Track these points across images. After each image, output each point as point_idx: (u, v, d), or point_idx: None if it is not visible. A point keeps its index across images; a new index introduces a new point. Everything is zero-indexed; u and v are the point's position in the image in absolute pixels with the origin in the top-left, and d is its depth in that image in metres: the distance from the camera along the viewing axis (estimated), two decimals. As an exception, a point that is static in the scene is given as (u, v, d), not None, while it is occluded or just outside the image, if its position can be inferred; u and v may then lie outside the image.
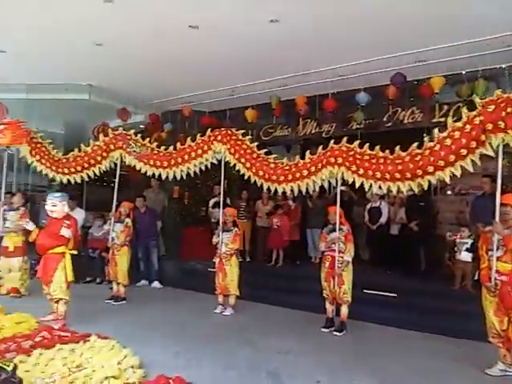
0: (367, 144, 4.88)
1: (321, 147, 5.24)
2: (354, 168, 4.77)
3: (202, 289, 7.21)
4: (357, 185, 4.85)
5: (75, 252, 5.50)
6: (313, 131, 8.31)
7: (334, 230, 5.17)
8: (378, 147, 4.76)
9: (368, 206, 7.68)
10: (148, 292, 7.53)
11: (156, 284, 7.92)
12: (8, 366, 2.22)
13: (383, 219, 7.40)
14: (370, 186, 4.72)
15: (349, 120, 7.77)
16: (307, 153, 5.37)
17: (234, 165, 5.80)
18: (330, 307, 5.25)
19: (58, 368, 3.63)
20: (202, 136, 6.06)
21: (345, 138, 5.11)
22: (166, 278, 8.01)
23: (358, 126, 7.64)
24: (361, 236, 7.57)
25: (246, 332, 5.09)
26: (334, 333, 5.07)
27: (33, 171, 8.45)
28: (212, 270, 6.92)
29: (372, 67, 6.52)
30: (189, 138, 6.21)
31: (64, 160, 6.71)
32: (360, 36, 5.57)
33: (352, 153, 4.84)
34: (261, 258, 8.54)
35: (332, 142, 5.12)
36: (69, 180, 6.77)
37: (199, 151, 5.98)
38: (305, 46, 5.94)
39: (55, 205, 5.26)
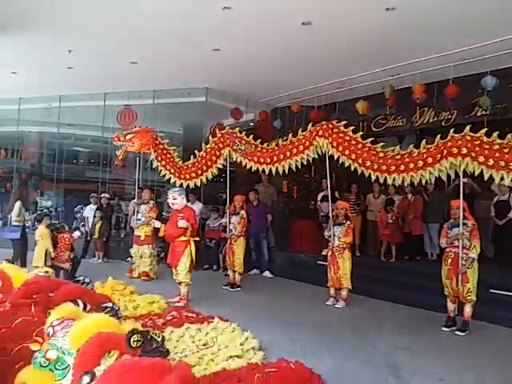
0: (496, 132, 4.46)
1: (438, 137, 4.92)
2: (481, 159, 4.38)
3: (310, 281, 7.33)
4: (485, 177, 4.44)
5: (198, 238, 6.03)
6: (430, 120, 7.83)
7: (457, 226, 4.84)
8: (510, 135, 4.31)
9: (495, 200, 7.00)
10: (260, 281, 7.87)
11: (267, 273, 8.23)
12: (158, 336, 2.55)
13: (512, 214, 6.68)
14: (502, 178, 4.30)
15: (472, 107, 7.15)
16: (423, 142, 5.06)
17: (338, 158, 5.65)
18: (451, 305, 4.94)
19: (188, 345, 4.05)
20: (303, 131, 6.00)
21: (468, 127, 4.73)
22: (275, 269, 8.29)
23: (483, 113, 6.99)
24: (485, 232, 6.93)
25: (360, 325, 5.06)
26: (456, 332, 4.76)
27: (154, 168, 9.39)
28: (321, 263, 7.00)
29: (500, 48, 5.93)
30: (290, 134, 6.19)
31: (185, 167, 7.10)
32: (487, 14, 5.11)
33: (478, 142, 4.46)
34: (371, 253, 8.33)
35: (452, 130, 4.79)
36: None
37: (300, 147, 5.92)
38: (423, 32, 5.65)
39: (175, 198, 5.88)
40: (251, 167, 6.60)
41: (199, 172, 6.99)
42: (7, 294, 3.81)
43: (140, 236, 7.78)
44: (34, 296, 3.57)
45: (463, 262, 4.71)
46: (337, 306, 5.94)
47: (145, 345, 2.46)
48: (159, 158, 7.17)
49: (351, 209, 8.07)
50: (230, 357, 3.67)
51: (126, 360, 2.22)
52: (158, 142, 7.18)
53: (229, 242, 7.07)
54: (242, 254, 6.97)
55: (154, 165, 7.28)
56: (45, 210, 13.38)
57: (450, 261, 4.86)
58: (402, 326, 5.08)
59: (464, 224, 4.78)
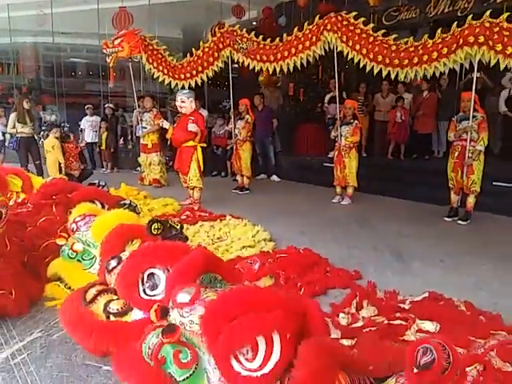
0: (517, 18, 4.19)
1: (455, 24, 4.65)
2: (499, 47, 4.18)
3: (318, 182, 7.49)
4: (501, 66, 4.27)
5: (204, 145, 6.04)
6: (445, 10, 7.30)
7: (466, 119, 4.80)
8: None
9: (505, 94, 6.78)
10: (268, 184, 8.06)
11: (274, 177, 8.40)
12: (177, 225, 2.72)
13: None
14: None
15: (491, -9, 6.63)
16: (438, 32, 4.80)
17: (348, 54, 5.39)
18: (454, 197, 5.10)
19: (203, 238, 4.30)
20: (310, 25, 5.61)
21: (487, 12, 4.44)
22: (282, 172, 8.44)
23: (503, -1, 6.50)
24: (493, 128, 6.86)
25: (365, 218, 5.29)
26: (458, 222, 4.99)
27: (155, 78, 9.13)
28: (328, 165, 7.09)
29: None
30: (296, 29, 5.80)
31: (179, 66, 6.87)
32: None
33: (498, 29, 4.22)
34: (378, 153, 8.38)
35: (469, 17, 4.51)
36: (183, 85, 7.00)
37: (307, 43, 5.58)
38: None
39: (184, 101, 5.69)
40: (254, 67, 6.36)
41: (194, 72, 6.73)
42: (28, 194, 3.99)
43: (147, 144, 7.83)
44: (53, 197, 3.74)
45: (470, 155, 4.75)
46: (343, 203, 6.15)
47: (165, 232, 2.63)
48: (150, 60, 6.91)
49: (359, 109, 7.94)
50: (243, 247, 3.94)
51: (149, 243, 2.39)
52: (146, 43, 6.88)
53: (235, 147, 7.11)
54: (248, 159, 7.04)
55: (147, 68, 7.05)
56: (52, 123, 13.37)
57: (456, 154, 4.91)
58: (407, 217, 5.30)
59: (473, 117, 4.73)
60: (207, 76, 6.77)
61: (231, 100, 7.16)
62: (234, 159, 7.21)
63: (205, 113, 9.28)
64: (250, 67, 6.44)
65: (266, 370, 1.61)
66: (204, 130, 5.93)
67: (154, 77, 7.08)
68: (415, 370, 1.17)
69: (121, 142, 10.91)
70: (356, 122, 5.98)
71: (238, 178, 7.29)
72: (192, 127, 5.60)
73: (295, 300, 1.69)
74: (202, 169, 5.88)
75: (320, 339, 1.46)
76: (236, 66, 6.88)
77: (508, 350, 2.07)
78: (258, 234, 4.30)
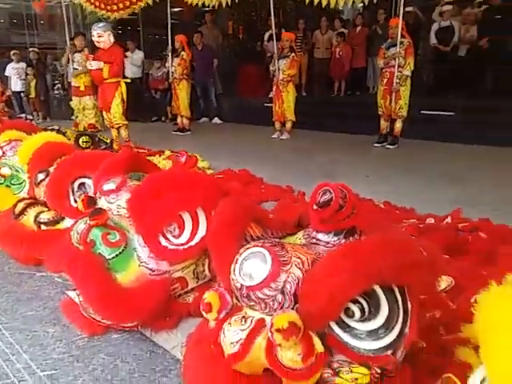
0: None
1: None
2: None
3: (259, 123, 7.54)
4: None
5: (128, 80, 5.65)
6: None
7: (394, 45, 4.98)
8: None
9: (435, 26, 7.00)
10: (210, 127, 8.01)
11: (216, 120, 8.34)
12: (106, 139, 2.69)
13: (456, 39, 6.74)
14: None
15: None
16: None
17: None
18: (384, 124, 5.38)
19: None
20: None
21: None
22: (225, 115, 8.39)
23: None
24: (425, 60, 7.18)
25: (302, 150, 5.47)
26: (387, 146, 5.31)
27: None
28: (269, 105, 7.14)
29: None
30: None
31: None
32: None
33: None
34: (318, 91, 8.51)
35: None
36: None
37: None
38: None
39: (101, 35, 5.16)
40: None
41: (127, 3, 6.41)
42: None
43: (79, 87, 7.40)
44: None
45: (397, 81, 4.98)
46: (282, 138, 6.29)
47: (94, 145, 2.60)
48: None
49: (298, 47, 7.96)
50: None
51: (77, 151, 2.36)
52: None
53: (172, 86, 6.93)
54: (186, 99, 6.91)
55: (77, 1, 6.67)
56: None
57: (385, 81, 5.13)
58: (341, 147, 5.54)
59: (401, 42, 4.92)
60: (139, 6, 6.47)
61: (169, 37, 6.90)
62: (173, 99, 7.06)
63: (140, 54, 8.92)
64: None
65: (193, 243, 1.72)
66: (120, 63, 5.44)
67: (87, 11, 6.68)
68: (315, 207, 1.32)
69: (55, 91, 10.25)
70: (293, 54, 6.01)
71: (178, 119, 7.17)
72: (94, 65, 5.05)
73: (217, 180, 1.78)
74: (125, 106, 5.51)
75: (237, 197, 1.58)
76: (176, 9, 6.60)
77: (415, 227, 2.32)
78: (198, 163, 4.34)
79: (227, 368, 1.17)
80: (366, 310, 1.15)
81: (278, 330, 1.05)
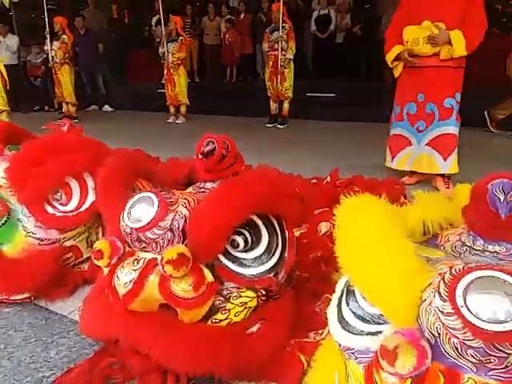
0: None
1: None
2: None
3: (153, 109, 7.41)
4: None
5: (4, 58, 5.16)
6: None
7: (277, 29, 5.26)
8: None
9: (315, 14, 7.55)
10: (99, 115, 7.64)
11: (106, 107, 7.98)
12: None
13: (333, 26, 7.35)
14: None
15: None
16: None
17: None
18: (273, 105, 5.68)
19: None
20: None
21: None
22: (115, 102, 8.06)
23: None
24: (307, 47, 7.67)
25: (196, 132, 5.46)
26: (278, 126, 5.63)
27: None
28: (161, 90, 7.04)
29: None
30: None
31: None
32: None
33: None
34: (211, 77, 8.61)
35: None
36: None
37: None
38: None
39: None
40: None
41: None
42: None
43: None
44: None
45: (282, 63, 5.29)
46: (177, 122, 6.28)
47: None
48: None
49: (187, 33, 7.94)
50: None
51: None
52: None
53: (53, 71, 6.48)
54: (69, 84, 6.52)
55: None
56: None
57: (271, 63, 5.41)
58: (235, 129, 5.67)
59: (282, 27, 5.22)
60: None
61: (46, 18, 6.40)
62: (56, 86, 6.59)
63: (14, 39, 8.12)
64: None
65: (82, 209, 1.70)
66: None
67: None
68: (200, 157, 1.41)
69: None
70: (181, 37, 6.00)
71: (64, 106, 6.73)
72: None
73: (102, 144, 1.78)
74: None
75: (124, 153, 1.60)
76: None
77: (301, 185, 2.54)
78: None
79: (122, 310, 1.21)
80: (249, 240, 1.28)
81: (168, 262, 1.13)
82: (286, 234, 1.34)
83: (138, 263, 1.22)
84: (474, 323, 0.73)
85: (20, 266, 1.59)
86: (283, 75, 5.33)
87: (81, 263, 1.82)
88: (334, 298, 1.14)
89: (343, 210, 1.06)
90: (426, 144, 2.77)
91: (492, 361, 0.74)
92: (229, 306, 1.25)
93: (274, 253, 1.30)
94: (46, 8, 6.42)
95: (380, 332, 0.96)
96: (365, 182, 2.59)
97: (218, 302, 1.24)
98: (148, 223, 1.20)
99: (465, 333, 0.75)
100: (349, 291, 1.09)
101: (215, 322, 1.24)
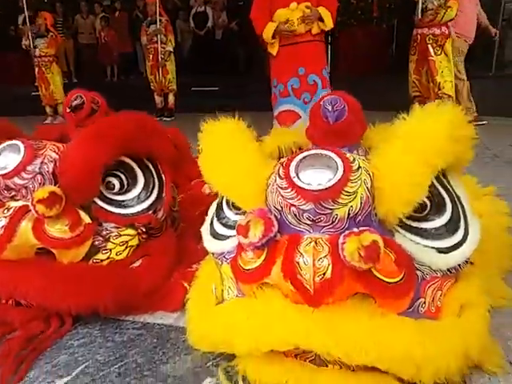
0: None
1: None
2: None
3: (29, 112, 6.85)
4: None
5: None
6: None
7: (154, 23, 5.28)
8: None
9: (192, 12, 7.66)
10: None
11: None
12: None
13: (210, 23, 7.53)
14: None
15: None
16: None
17: None
18: (158, 98, 5.66)
19: None
20: None
21: None
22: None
23: None
24: (187, 43, 7.78)
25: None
26: (164, 119, 5.62)
27: None
28: (36, 93, 6.56)
29: None
30: None
31: None
32: None
33: None
34: (90, 77, 8.24)
35: None
36: None
37: None
38: None
39: None
40: None
41: None
42: None
43: None
44: None
45: (162, 56, 5.31)
46: (55, 123, 5.92)
47: None
48: None
49: (60, 31, 7.52)
50: None
51: None
52: None
53: None
54: None
55: None
56: None
57: (151, 56, 5.38)
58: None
59: (159, 20, 5.25)
60: None
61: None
62: None
63: None
64: None
65: None
66: None
67: None
68: (68, 110, 1.42)
69: None
70: (51, 33, 5.68)
71: None
72: None
73: None
74: None
75: None
76: None
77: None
78: None
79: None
80: (125, 182, 1.33)
81: (39, 201, 1.13)
82: (163, 176, 1.42)
83: (8, 211, 1.20)
84: (304, 188, 0.90)
85: None
86: (165, 68, 5.36)
87: None
88: (207, 219, 1.26)
89: (205, 133, 1.18)
90: (313, 113, 3.02)
91: (321, 219, 0.92)
92: (109, 245, 1.29)
93: (152, 192, 1.37)
94: None
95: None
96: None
97: (97, 243, 1.27)
98: (14, 168, 1.19)
99: (299, 199, 0.91)
100: (218, 208, 1.22)
101: (96, 262, 1.27)
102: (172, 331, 1.20)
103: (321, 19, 2.83)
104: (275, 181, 0.98)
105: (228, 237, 1.13)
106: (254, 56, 7.33)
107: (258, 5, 3.02)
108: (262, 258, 0.96)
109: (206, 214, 1.96)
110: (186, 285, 1.32)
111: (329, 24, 2.86)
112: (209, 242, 1.18)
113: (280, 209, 0.96)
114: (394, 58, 7.34)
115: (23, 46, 5.78)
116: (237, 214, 1.14)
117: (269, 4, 2.93)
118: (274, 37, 2.94)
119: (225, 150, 1.10)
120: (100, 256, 1.27)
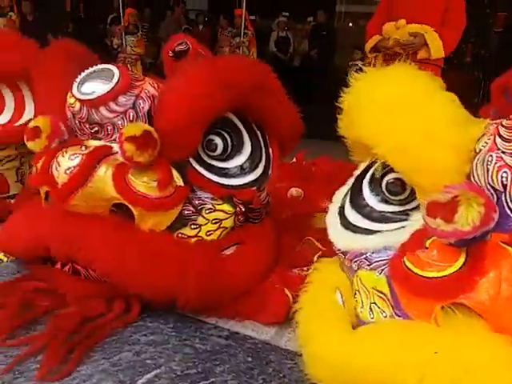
0: None
1: None
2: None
3: None
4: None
5: None
6: None
7: (238, 35, 5.22)
8: None
9: (274, 36, 7.59)
10: None
11: None
12: None
13: (292, 49, 7.41)
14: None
15: None
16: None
17: None
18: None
19: None
20: None
21: None
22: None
23: None
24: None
25: None
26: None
27: None
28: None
29: None
30: None
31: None
32: None
33: None
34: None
35: None
36: None
37: None
38: None
39: None
40: None
41: None
42: None
43: None
44: None
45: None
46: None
47: None
48: None
49: (144, 36, 7.68)
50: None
51: None
52: None
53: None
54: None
55: None
56: None
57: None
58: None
59: (244, 33, 5.20)
60: None
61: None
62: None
63: None
64: None
65: (17, 124, 1.37)
66: None
67: None
68: (170, 54, 1.17)
69: None
70: (140, 33, 5.78)
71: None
72: None
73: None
74: None
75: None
76: None
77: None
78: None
79: (57, 211, 0.90)
80: (229, 143, 1.04)
81: (129, 139, 0.85)
82: (270, 151, 1.12)
83: (86, 148, 0.93)
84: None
85: None
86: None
87: (6, 199, 1.45)
88: (332, 207, 0.92)
89: (359, 85, 0.86)
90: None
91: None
92: (200, 220, 0.98)
93: (258, 165, 1.07)
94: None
95: (403, 227, 0.77)
96: (332, 163, 2.44)
97: (187, 213, 0.97)
98: (104, 95, 0.91)
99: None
100: (355, 191, 0.88)
101: (182, 237, 0.96)
102: (272, 351, 0.86)
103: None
104: (493, 146, 0.63)
105: (374, 232, 0.79)
106: (327, 87, 7.10)
107: (375, 14, 2.67)
108: (460, 262, 0.61)
109: (294, 220, 1.67)
110: (288, 293, 0.98)
111: (436, 53, 2.46)
112: (339, 237, 0.85)
113: (501, 188, 0.61)
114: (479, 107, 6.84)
115: (114, 45, 5.87)
116: (388, 201, 0.81)
117: (384, 16, 2.58)
118: (372, 51, 2.62)
119: (407, 98, 0.76)
120: (187, 231, 0.97)
